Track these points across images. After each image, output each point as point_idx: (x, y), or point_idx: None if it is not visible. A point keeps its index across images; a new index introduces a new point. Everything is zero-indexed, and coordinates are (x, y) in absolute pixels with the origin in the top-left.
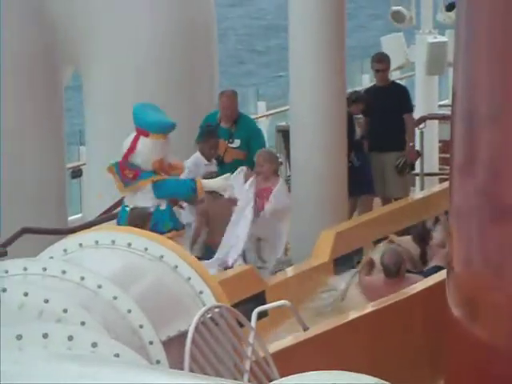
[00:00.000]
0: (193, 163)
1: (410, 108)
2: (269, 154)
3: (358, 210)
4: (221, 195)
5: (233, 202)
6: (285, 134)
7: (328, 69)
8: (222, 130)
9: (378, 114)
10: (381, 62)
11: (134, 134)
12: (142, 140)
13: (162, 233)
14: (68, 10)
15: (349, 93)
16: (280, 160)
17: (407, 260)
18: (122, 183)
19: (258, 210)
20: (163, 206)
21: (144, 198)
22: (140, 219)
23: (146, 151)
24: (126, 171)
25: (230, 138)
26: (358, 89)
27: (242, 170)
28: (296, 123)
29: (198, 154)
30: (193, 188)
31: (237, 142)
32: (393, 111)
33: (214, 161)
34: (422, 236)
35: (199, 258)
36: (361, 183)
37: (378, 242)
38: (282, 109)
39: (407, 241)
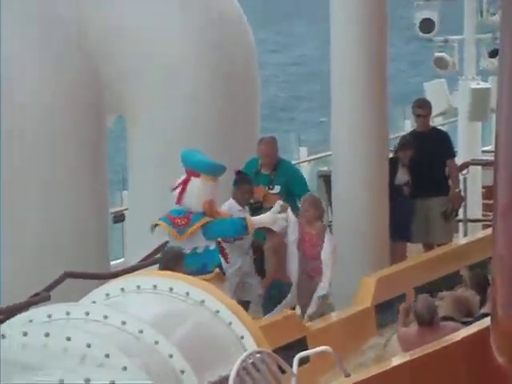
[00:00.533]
0: (227, 209)
1: (452, 153)
2: (314, 200)
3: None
4: (271, 230)
5: (283, 235)
6: (326, 179)
7: (370, 114)
8: (262, 177)
9: (420, 159)
10: (422, 107)
11: (183, 176)
12: (193, 180)
13: (210, 272)
14: (111, 50)
15: (400, 138)
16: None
17: (466, 308)
18: (177, 233)
19: (301, 253)
20: (212, 247)
21: (193, 241)
22: (173, 259)
23: (197, 191)
24: (177, 220)
25: (271, 184)
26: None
27: (278, 203)
28: (338, 168)
29: (231, 201)
30: (243, 225)
31: (277, 188)
32: (435, 156)
33: (247, 207)
34: (481, 283)
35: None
36: (399, 228)
37: (421, 288)
38: (324, 154)
39: (463, 290)
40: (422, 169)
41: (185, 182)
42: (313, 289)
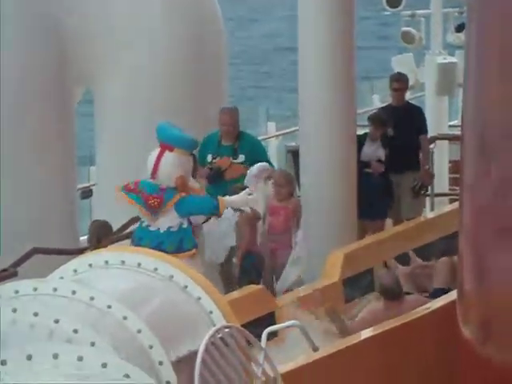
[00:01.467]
0: None
1: (425, 129)
2: (289, 176)
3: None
4: (242, 210)
5: (256, 217)
6: (294, 154)
7: (337, 89)
8: (224, 148)
9: (394, 134)
10: (399, 81)
11: (157, 150)
12: (167, 155)
13: (187, 250)
14: (80, 27)
15: (370, 114)
16: None
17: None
18: (151, 214)
19: (268, 227)
20: (185, 225)
21: (167, 219)
22: (100, 232)
23: (169, 166)
24: (151, 201)
25: (234, 154)
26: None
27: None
28: (305, 144)
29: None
30: (215, 205)
31: (241, 158)
32: (409, 131)
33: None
34: None
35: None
36: (366, 207)
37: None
38: (292, 129)
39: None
40: (396, 144)
41: (159, 157)
42: (277, 263)
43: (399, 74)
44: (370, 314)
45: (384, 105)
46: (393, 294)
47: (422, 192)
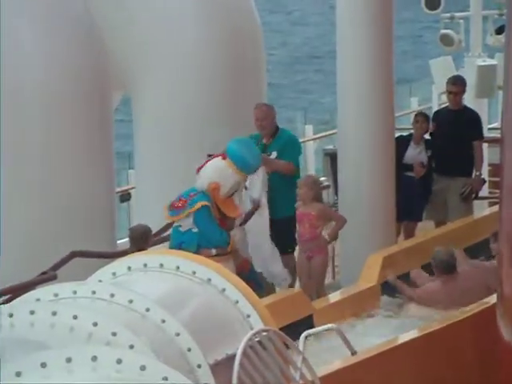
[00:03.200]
0: None
1: (481, 135)
2: (308, 178)
3: (401, 235)
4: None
5: (255, 204)
6: (332, 157)
7: (376, 92)
8: (260, 146)
9: (447, 137)
10: (455, 84)
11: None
12: (217, 159)
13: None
14: (120, 33)
15: (416, 113)
16: (328, 183)
17: None
18: (170, 215)
19: (298, 235)
20: (195, 229)
21: (189, 220)
22: (141, 237)
23: (212, 169)
24: (176, 203)
25: (264, 151)
26: (407, 112)
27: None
28: (343, 147)
29: None
30: (226, 243)
31: (273, 154)
32: (463, 136)
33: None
34: None
35: None
36: (406, 209)
37: (428, 266)
38: (329, 132)
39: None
40: (449, 147)
41: (211, 159)
42: (312, 270)
43: (456, 76)
44: (427, 293)
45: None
46: (448, 267)
47: (472, 198)
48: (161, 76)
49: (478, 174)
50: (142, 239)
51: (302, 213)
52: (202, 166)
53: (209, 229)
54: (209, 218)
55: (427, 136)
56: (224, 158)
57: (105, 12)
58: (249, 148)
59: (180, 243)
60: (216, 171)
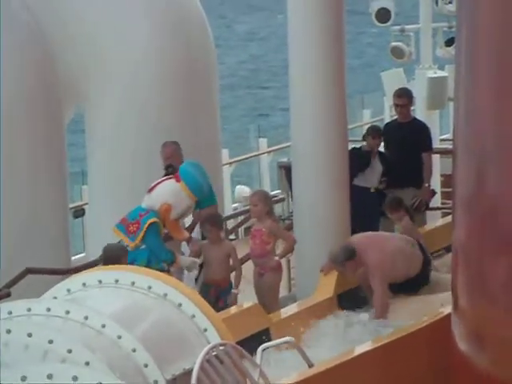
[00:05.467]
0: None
1: (429, 146)
2: (264, 195)
3: None
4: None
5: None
6: (287, 169)
7: (328, 104)
8: None
9: (396, 149)
10: (400, 96)
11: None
12: (171, 181)
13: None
14: (71, 46)
15: (368, 127)
16: (283, 196)
17: None
18: (130, 240)
19: (250, 250)
20: (143, 246)
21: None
22: (115, 255)
23: (166, 190)
24: (130, 227)
25: None
26: (359, 124)
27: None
28: (297, 159)
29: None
30: (171, 261)
31: None
32: (412, 148)
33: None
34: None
35: None
36: (364, 221)
37: None
38: (283, 145)
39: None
40: (398, 159)
41: (164, 180)
42: (265, 285)
43: (401, 89)
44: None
45: (376, 119)
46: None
47: (422, 209)
48: (113, 91)
49: (426, 185)
50: (115, 259)
51: (255, 229)
52: (154, 186)
53: (157, 246)
54: (157, 235)
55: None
56: (178, 181)
57: (57, 24)
58: (201, 172)
59: (132, 261)
60: (170, 193)
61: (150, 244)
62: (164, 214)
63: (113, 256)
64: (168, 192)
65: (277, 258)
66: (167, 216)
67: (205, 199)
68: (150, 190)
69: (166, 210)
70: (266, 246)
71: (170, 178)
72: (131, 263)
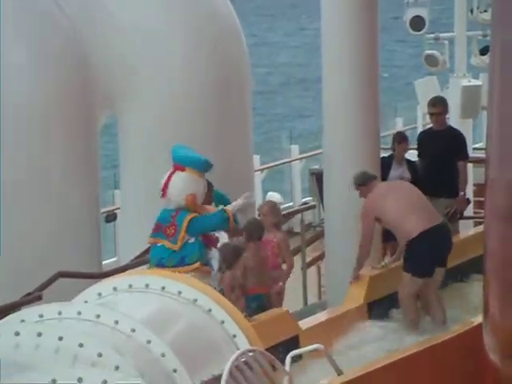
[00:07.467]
0: None
1: (465, 155)
2: (272, 206)
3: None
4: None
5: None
6: (318, 177)
7: (361, 112)
8: None
9: (431, 157)
10: (435, 105)
11: (170, 170)
12: (177, 174)
13: (188, 265)
14: (105, 51)
15: (395, 133)
16: (314, 203)
17: None
18: (171, 243)
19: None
20: (191, 240)
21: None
22: (233, 254)
23: (181, 184)
24: (167, 231)
25: None
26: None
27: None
28: (329, 166)
29: None
30: (224, 218)
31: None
32: (447, 156)
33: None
34: None
35: None
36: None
37: None
38: (315, 152)
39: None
40: (433, 168)
41: (170, 176)
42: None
43: (436, 97)
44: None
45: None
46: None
47: (457, 218)
48: (148, 98)
49: (462, 194)
50: (232, 257)
51: (265, 239)
52: (164, 189)
53: (208, 223)
54: (199, 226)
55: (407, 156)
56: (182, 170)
57: (95, 32)
58: (190, 149)
59: (160, 259)
60: (185, 183)
61: (197, 231)
62: (192, 204)
63: (232, 255)
64: (183, 183)
65: (280, 283)
66: (195, 204)
67: (222, 200)
68: (164, 193)
69: (192, 201)
70: (277, 259)
71: (172, 173)
72: (181, 261)
